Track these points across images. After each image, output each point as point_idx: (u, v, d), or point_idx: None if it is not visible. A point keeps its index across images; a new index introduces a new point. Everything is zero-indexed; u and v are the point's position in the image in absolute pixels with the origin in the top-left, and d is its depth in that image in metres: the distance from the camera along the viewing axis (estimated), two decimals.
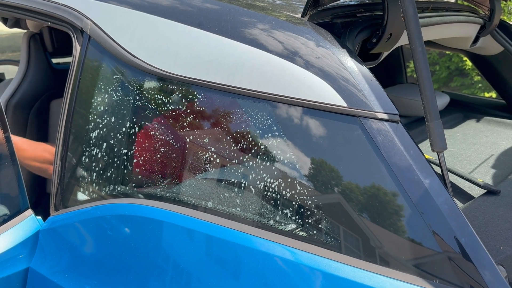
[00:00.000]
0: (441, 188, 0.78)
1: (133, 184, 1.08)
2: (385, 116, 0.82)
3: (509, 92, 1.89)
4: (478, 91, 4.47)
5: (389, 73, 2.30)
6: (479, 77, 4.49)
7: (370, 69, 0.91)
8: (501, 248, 0.94)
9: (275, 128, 0.90)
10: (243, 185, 0.93)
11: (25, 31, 1.85)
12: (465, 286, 0.74)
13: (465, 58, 4.33)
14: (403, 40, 1.16)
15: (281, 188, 0.88)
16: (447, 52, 4.41)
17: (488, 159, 1.44)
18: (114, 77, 1.11)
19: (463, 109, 1.94)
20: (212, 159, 0.97)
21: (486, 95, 4.28)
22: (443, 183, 0.79)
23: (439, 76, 4.90)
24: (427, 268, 0.76)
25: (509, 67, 1.79)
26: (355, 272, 0.79)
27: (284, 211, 0.88)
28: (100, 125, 1.12)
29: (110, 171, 1.10)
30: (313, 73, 0.88)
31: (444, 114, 1.84)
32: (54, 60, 1.95)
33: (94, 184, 1.13)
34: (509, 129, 1.67)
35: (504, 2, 4.37)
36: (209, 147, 0.97)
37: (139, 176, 1.07)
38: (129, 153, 1.08)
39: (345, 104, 0.84)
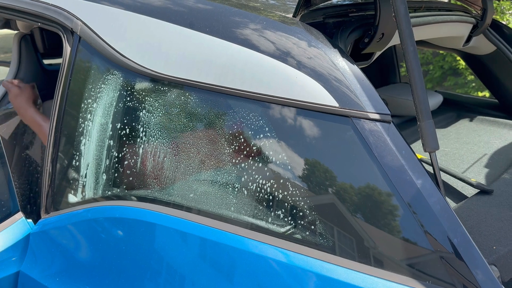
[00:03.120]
0: (433, 188, 0.77)
1: (124, 186, 1.07)
2: (377, 116, 0.82)
3: (502, 91, 1.90)
4: (472, 91, 4.49)
5: (382, 73, 2.30)
6: (472, 77, 4.52)
7: (363, 69, 0.91)
8: (494, 247, 0.94)
9: (267, 128, 0.90)
10: (235, 186, 0.92)
11: (16, 32, 1.83)
12: (458, 286, 0.73)
13: (458, 58, 4.35)
14: (395, 40, 1.15)
15: (273, 189, 0.88)
16: (441, 51, 4.43)
17: (481, 158, 1.44)
18: (104, 78, 1.10)
19: (456, 108, 1.95)
20: (204, 160, 0.96)
21: (480, 94, 4.30)
22: (435, 183, 0.79)
23: (433, 76, 4.93)
24: (420, 268, 0.76)
25: (502, 66, 1.80)
26: (348, 274, 0.78)
27: (276, 212, 0.88)
28: (91, 127, 1.11)
29: (101, 173, 1.09)
30: (305, 74, 0.87)
31: (437, 114, 1.85)
32: (46, 61, 1.93)
33: (85, 186, 1.12)
34: (501, 128, 1.68)
35: (497, 2, 4.39)
36: (200, 148, 0.96)
37: (130, 178, 1.06)
38: (120, 155, 1.07)
39: (337, 105, 0.84)
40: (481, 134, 1.64)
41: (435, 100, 1.84)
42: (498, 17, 4.37)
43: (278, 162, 0.88)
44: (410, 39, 0.80)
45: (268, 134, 0.89)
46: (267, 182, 0.89)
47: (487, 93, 4.08)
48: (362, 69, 0.90)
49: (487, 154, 1.46)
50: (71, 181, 1.14)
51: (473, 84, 4.51)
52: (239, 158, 0.92)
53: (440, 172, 1.27)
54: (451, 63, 4.69)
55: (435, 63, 4.92)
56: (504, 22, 4.44)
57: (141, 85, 1.05)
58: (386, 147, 0.80)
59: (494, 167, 1.36)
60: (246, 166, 0.91)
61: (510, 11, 4.47)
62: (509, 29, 1.78)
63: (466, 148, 1.51)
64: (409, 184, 0.77)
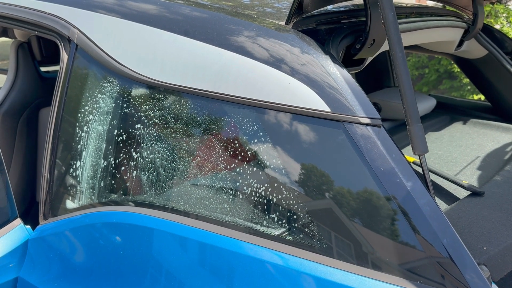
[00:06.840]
0: (423, 190, 0.79)
1: (122, 192, 1.08)
2: (367, 120, 0.84)
3: (494, 94, 1.92)
4: (467, 94, 4.51)
5: (377, 77, 2.32)
6: (467, 80, 4.54)
7: (357, 74, 0.93)
8: (485, 248, 0.95)
9: (261, 133, 0.91)
10: (230, 191, 0.94)
11: (13, 40, 1.85)
12: (448, 286, 0.75)
13: None
14: (387, 46, 1.17)
15: (267, 193, 0.89)
16: (436, 55, 4.45)
17: (474, 160, 1.46)
18: (101, 85, 1.12)
19: (449, 111, 1.97)
20: (199, 165, 0.98)
21: (475, 97, 4.33)
22: (425, 185, 0.80)
23: (429, 79, 4.95)
24: (410, 268, 0.77)
25: (493, 69, 1.82)
26: (336, 273, 0.80)
27: (270, 215, 0.89)
28: (88, 133, 1.13)
29: (99, 179, 1.11)
30: (297, 79, 0.89)
31: (431, 117, 1.87)
32: (43, 69, 1.95)
33: (83, 192, 1.13)
34: (494, 130, 1.70)
35: (491, 6, 4.41)
36: (196, 153, 0.98)
37: (127, 184, 1.07)
38: (117, 161, 1.08)
39: (328, 109, 0.86)
40: (474, 136, 1.66)
41: (428, 104, 1.86)
42: (492, 20, 4.40)
43: (271, 167, 0.90)
44: (398, 45, 0.82)
45: (262, 139, 0.91)
46: (261, 186, 0.90)
47: (482, 96, 4.10)
48: (356, 74, 0.92)
49: (479, 157, 1.48)
50: (69, 187, 1.16)
51: (469, 87, 4.54)
52: (233, 163, 0.93)
53: (433, 174, 1.29)
54: (446, 67, 4.72)
55: (431, 67, 4.94)
56: (498, 25, 4.48)
57: (137, 91, 1.07)
58: (377, 151, 0.81)
59: (486, 169, 1.38)
60: (241, 170, 0.92)
61: (504, 14, 4.51)
62: (500, 33, 1.81)
63: (459, 151, 1.53)
64: (399, 186, 0.79)
